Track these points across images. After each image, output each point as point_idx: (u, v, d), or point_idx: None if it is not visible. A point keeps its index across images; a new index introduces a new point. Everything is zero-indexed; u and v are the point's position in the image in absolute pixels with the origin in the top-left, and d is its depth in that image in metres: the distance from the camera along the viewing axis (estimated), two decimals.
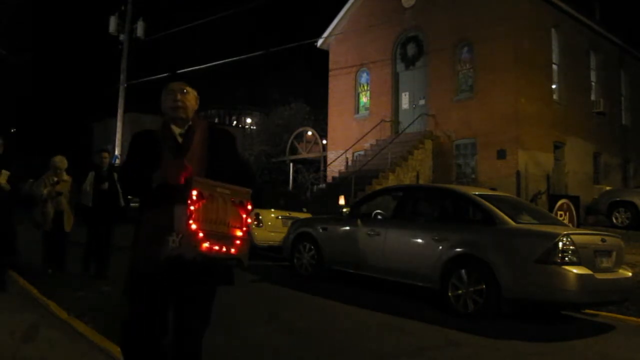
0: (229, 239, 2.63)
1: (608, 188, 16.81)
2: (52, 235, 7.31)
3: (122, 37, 20.98)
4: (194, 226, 2.51)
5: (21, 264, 7.04)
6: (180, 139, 2.85)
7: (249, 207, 2.75)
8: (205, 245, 2.52)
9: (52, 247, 7.38)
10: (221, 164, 2.84)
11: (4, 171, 6.06)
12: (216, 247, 2.56)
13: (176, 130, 2.87)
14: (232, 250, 2.63)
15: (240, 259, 2.67)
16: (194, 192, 2.53)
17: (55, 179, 7.30)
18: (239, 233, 2.68)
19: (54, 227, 7.26)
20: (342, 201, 13.04)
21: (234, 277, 2.85)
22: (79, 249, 7.61)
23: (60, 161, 7.48)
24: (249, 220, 2.76)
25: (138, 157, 2.86)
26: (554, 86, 18.10)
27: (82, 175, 7.37)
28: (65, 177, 7.49)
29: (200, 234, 2.52)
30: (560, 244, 5.68)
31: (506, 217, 6.34)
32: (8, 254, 6.41)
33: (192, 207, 2.52)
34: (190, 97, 2.90)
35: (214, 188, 2.62)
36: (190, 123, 2.90)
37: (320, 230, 8.24)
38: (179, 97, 2.85)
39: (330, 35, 21.34)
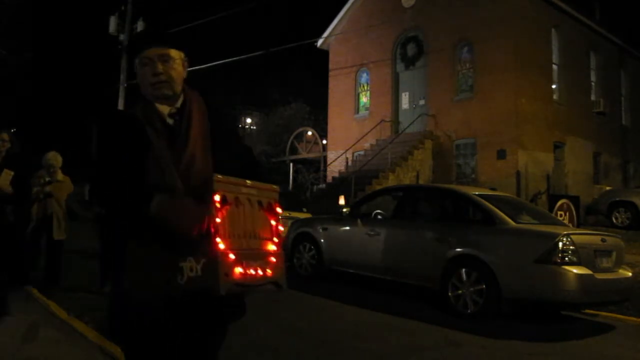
0: (262, 257, 1.95)
1: (608, 188, 16.82)
2: (32, 240, 6.36)
3: (122, 37, 20.99)
4: (221, 245, 1.79)
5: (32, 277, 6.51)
6: (170, 121, 2.04)
7: (278, 210, 2.07)
8: (239, 270, 1.81)
9: (29, 253, 6.40)
10: (227, 154, 2.09)
11: (6, 171, 5.18)
12: (251, 271, 1.87)
13: (164, 109, 2.05)
14: (268, 271, 1.94)
15: (278, 282, 1.99)
16: (217, 197, 1.81)
17: (48, 178, 6.46)
18: (271, 247, 2.01)
19: (37, 232, 6.33)
20: (342, 201, 13.03)
21: (246, 307, 2.15)
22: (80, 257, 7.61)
23: (54, 158, 6.58)
24: (281, 228, 2.07)
25: (115, 156, 1.97)
26: (554, 86, 18.11)
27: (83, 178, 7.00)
28: (61, 176, 6.63)
29: (231, 255, 1.80)
30: (560, 244, 5.69)
31: (506, 217, 6.34)
32: (11, 269, 5.67)
33: (217, 218, 1.80)
34: (177, 64, 2.06)
35: (238, 189, 1.92)
36: (183, 98, 2.09)
37: (320, 230, 8.24)
38: (160, 67, 2.01)
39: (330, 35, 21.34)
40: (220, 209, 1.84)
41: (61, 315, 5.14)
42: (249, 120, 42.94)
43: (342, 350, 4.70)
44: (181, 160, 1.98)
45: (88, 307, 5.47)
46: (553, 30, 18.10)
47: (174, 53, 2.06)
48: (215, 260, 1.78)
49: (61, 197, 6.54)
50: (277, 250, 2.03)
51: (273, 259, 1.99)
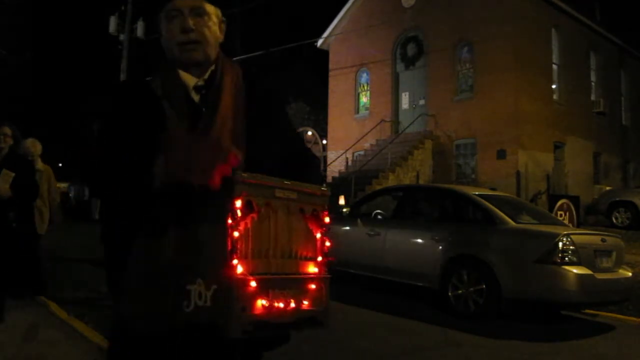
0: (298, 284, 1.50)
1: (608, 188, 16.83)
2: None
3: (122, 37, 20.98)
4: (240, 267, 1.34)
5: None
6: (196, 97, 1.62)
7: (327, 220, 1.62)
8: (261, 303, 1.37)
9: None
10: (268, 146, 1.65)
11: (5, 172, 4.49)
12: (279, 305, 1.41)
13: (189, 79, 1.64)
14: (305, 303, 1.49)
15: (316, 317, 1.57)
16: (238, 202, 1.36)
17: None
18: (312, 269, 1.58)
19: (19, 228, 5.25)
20: (342, 201, 13.01)
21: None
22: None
23: (32, 145, 5.89)
24: (328, 244, 1.64)
25: (123, 129, 1.58)
26: (554, 86, 18.12)
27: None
28: (41, 165, 5.96)
29: (252, 283, 1.35)
30: (560, 244, 5.69)
31: (506, 217, 6.34)
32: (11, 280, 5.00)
33: (235, 232, 1.34)
34: (212, 23, 1.65)
35: (271, 192, 1.45)
36: (214, 67, 1.67)
37: None
38: (190, 23, 1.59)
39: (330, 35, 21.34)
40: (241, 219, 1.36)
41: (61, 315, 5.14)
42: None
43: (342, 350, 4.70)
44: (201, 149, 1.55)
45: (88, 307, 5.48)
46: (553, 30, 18.10)
47: (210, 8, 1.65)
48: (228, 289, 1.32)
49: (42, 188, 5.83)
50: (321, 273, 1.59)
51: (313, 286, 1.52)
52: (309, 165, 1.81)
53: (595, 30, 19.81)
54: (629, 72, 22.15)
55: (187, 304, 1.37)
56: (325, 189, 1.65)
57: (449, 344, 5.06)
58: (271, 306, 1.39)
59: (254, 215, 1.41)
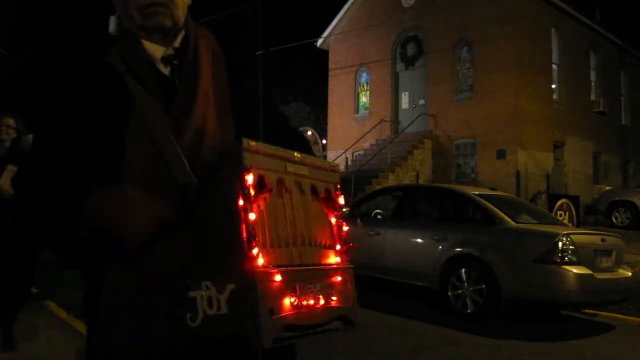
0: (323, 277, 1.23)
1: (608, 188, 16.83)
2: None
3: None
4: (261, 260, 1.08)
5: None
6: (166, 69, 1.32)
7: (342, 201, 1.36)
8: (291, 302, 1.12)
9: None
10: (252, 117, 1.38)
11: (10, 167, 4.16)
12: (310, 302, 1.16)
13: (155, 50, 1.33)
14: (333, 299, 1.22)
15: (347, 315, 1.27)
16: (250, 178, 1.10)
17: None
18: (334, 259, 1.30)
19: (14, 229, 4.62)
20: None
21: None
22: None
23: None
24: (346, 229, 1.34)
25: (82, 119, 1.28)
26: (554, 86, 18.11)
27: None
28: None
29: (278, 277, 1.10)
30: (560, 244, 5.69)
31: (506, 217, 6.34)
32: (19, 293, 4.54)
33: (251, 215, 1.09)
34: None
35: (283, 165, 1.20)
36: (184, 33, 1.36)
37: None
38: None
39: (330, 35, 21.34)
40: (255, 199, 1.10)
41: (61, 315, 5.15)
42: None
43: (342, 350, 4.70)
44: (184, 130, 1.24)
45: None
46: (553, 30, 18.10)
47: None
48: (251, 287, 1.05)
49: None
50: (343, 263, 1.30)
51: (339, 279, 1.25)
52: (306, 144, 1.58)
53: (595, 30, 19.81)
54: (629, 72, 22.15)
55: (193, 316, 1.09)
56: (336, 164, 1.41)
57: (448, 344, 5.06)
58: (300, 304, 1.14)
59: (267, 194, 1.15)
